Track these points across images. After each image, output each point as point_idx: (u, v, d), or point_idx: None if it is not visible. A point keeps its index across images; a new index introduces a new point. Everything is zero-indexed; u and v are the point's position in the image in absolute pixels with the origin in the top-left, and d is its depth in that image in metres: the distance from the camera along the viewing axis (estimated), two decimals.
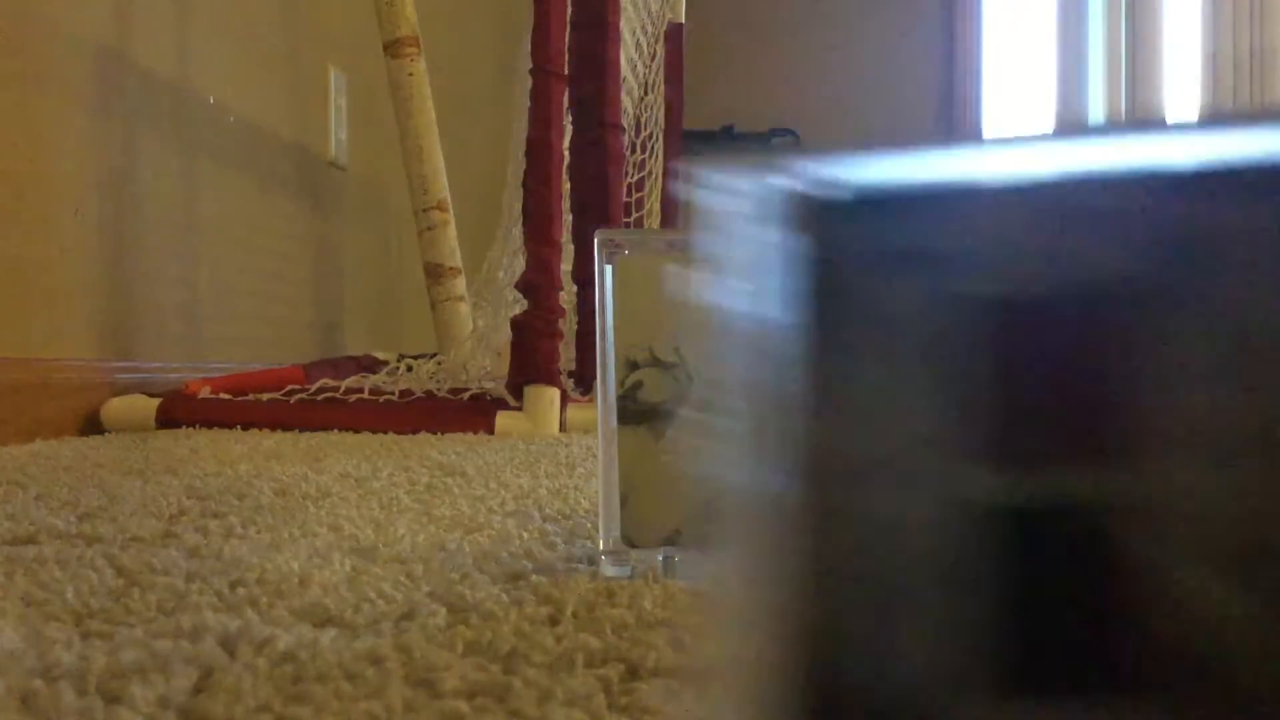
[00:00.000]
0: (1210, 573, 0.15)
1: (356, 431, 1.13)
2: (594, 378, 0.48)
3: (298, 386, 1.23)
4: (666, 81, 2.07)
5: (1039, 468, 0.16)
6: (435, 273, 1.56)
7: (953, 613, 0.16)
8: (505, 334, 1.24)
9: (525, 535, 0.50)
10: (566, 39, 1.26)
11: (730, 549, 0.16)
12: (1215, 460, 0.15)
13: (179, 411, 1.16)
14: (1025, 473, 0.16)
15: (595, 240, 0.45)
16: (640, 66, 1.93)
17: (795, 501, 0.16)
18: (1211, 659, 0.15)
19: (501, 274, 1.52)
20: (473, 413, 1.16)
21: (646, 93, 1.98)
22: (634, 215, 1.89)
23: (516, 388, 1.17)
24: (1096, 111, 3.54)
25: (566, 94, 1.27)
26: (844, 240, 0.16)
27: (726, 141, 3.27)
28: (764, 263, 0.16)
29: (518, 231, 1.33)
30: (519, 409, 1.15)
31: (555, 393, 1.16)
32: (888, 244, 0.16)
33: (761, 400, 0.16)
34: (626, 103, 1.72)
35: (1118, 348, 0.16)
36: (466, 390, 1.25)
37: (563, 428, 1.16)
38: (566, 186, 1.30)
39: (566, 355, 1.26)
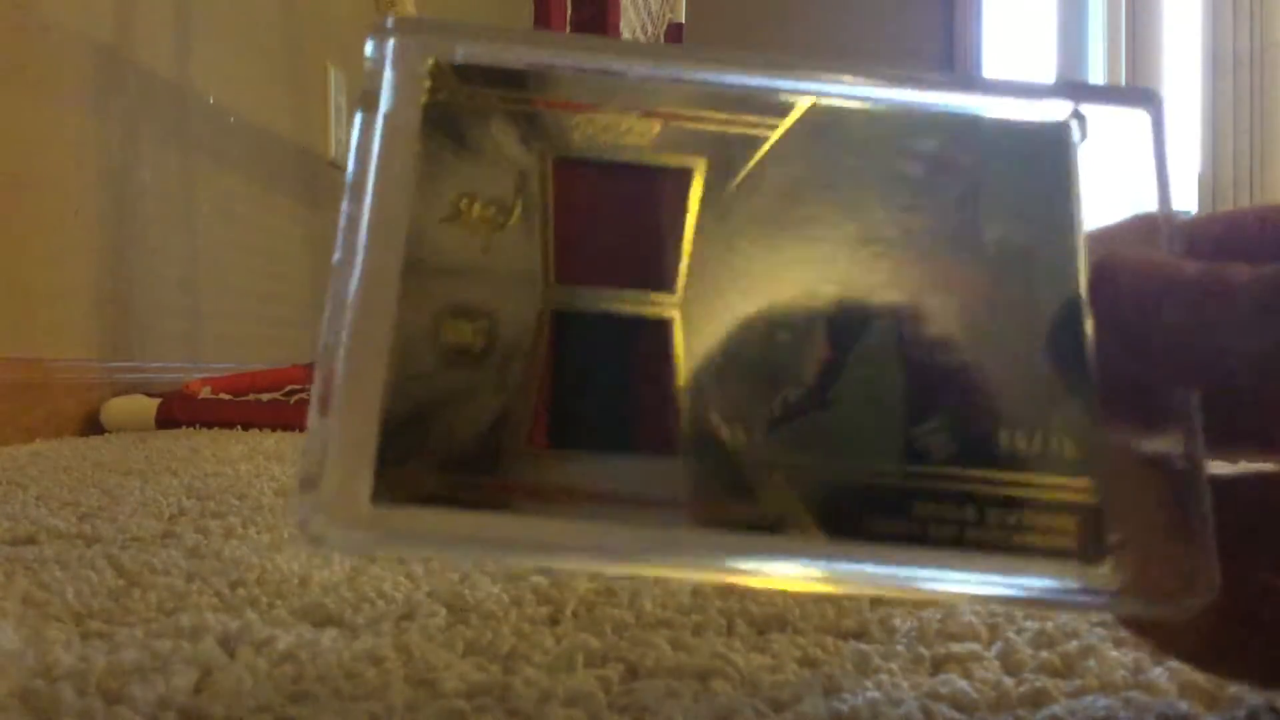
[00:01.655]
0: (702, 368, 0.21)
1: None
2: None
3: (298, 386, 1.23)
4: None
5: (593, 285, 0.22)
6: None
7: (515, 381, 0.21)
8: None
9: None
10: None
11: (344, 329, 0.21)
12: (719, 294, 0.22)
13: (179, 411, 1.16)
14: (582, 288, 0.22)
15: None
16: None
17: (395, 288, 0.21)
18: (703, 428, 0.21)
19: None
20: None
21: None
22: None
23: None
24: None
25: None
26: (455, 92, 0.22)
27: None
28: (401, 101, 0.22)
29: None
30: None
31: None
32: (485, 100, 0.22)
33: (380, 199, 0.22)
34: None
35: (659, 206, 0.22)
36: None
37: None
38: None
39: None
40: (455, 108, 0.22)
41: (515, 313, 0.22)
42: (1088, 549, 0.21)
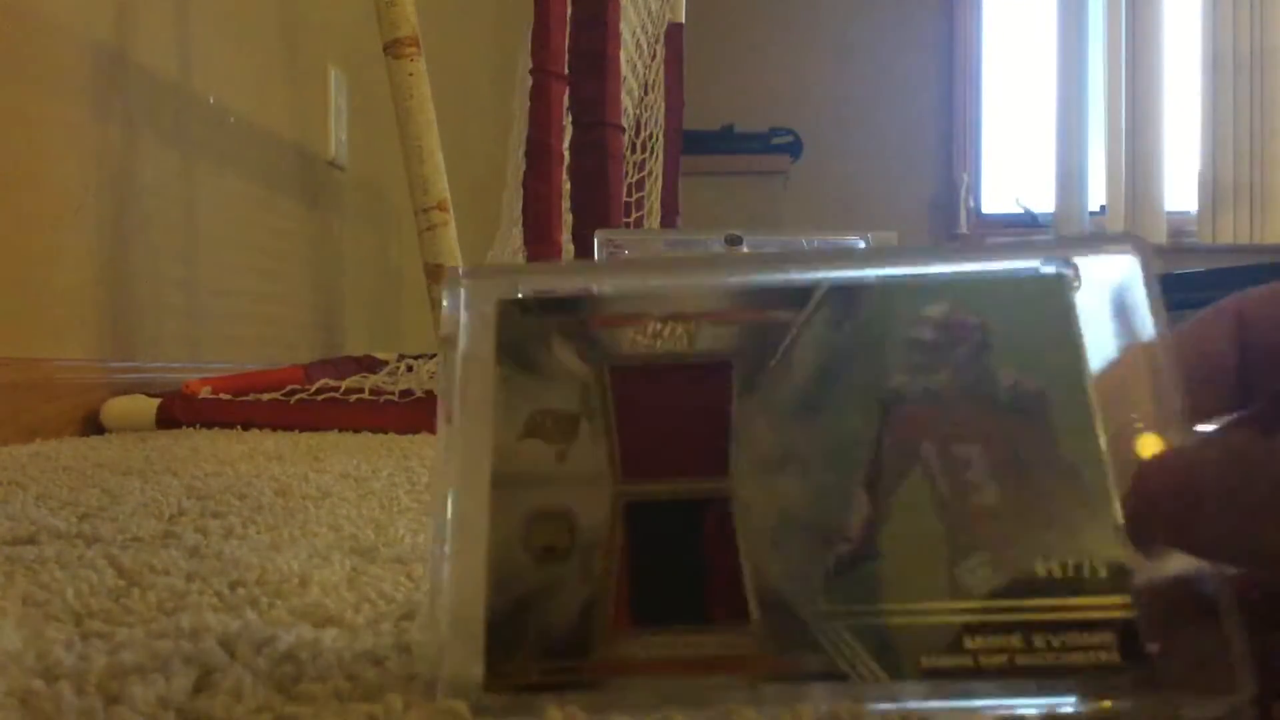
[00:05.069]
0: (760, 538, 0.24)
1: (356, 431, 1.13)
2: None
3: (298, 386, 1.23)
4: (666, 81, 2.07)
5: (654, 477, 0.25)
6: (435, 273, 1.56)
7: (598, 571, 0.24)
8: None
9: None
10: (566, 39, 1.26)
11: (442, 531, 0.24)
12: (766, 470, 0.25)
13: (179, 411, 1.16)
14: (645, 479, 0.25)
15: (595, 240, 0.45)
16: (640, 66, 1.93)
17: (486, 501, 0.24)
18: (767, 592, 0.24)
19: None
20: None
21: (646, 93, 1.98)
22: (634, 215, 1.89)
23: None
24: (1095, 109, 3.54)
25: (566, 94, 1.27)
26: (519, 323, 0.26)
27: (727, 141, 3.27)
28: (475, 339, 0.26)
29: (518, 231, 1.33)
30: None
31: None
32: (546, 327, 0.26)
33: (467, 425, 0.25)
34: (626, 103, 1.72)
35: (704, 398, 0.25)
36: None
37: None
38: (566, 186, 1.30)
39: None
40: (521, 336, 0.26)
41: (592, 509, 0.25)
42: (1129, 661, 0.22)
